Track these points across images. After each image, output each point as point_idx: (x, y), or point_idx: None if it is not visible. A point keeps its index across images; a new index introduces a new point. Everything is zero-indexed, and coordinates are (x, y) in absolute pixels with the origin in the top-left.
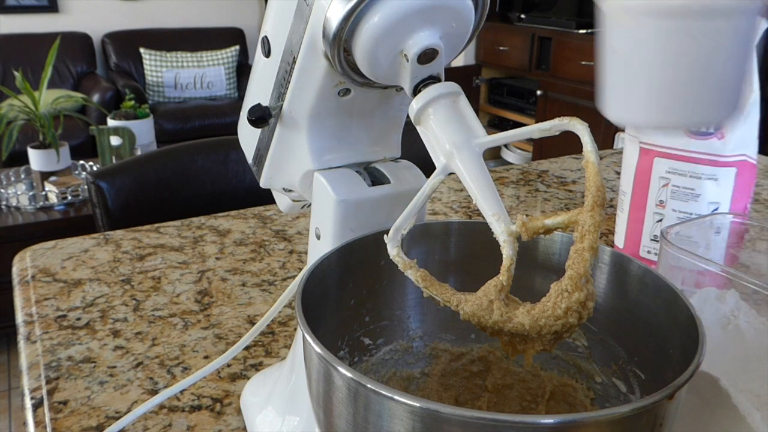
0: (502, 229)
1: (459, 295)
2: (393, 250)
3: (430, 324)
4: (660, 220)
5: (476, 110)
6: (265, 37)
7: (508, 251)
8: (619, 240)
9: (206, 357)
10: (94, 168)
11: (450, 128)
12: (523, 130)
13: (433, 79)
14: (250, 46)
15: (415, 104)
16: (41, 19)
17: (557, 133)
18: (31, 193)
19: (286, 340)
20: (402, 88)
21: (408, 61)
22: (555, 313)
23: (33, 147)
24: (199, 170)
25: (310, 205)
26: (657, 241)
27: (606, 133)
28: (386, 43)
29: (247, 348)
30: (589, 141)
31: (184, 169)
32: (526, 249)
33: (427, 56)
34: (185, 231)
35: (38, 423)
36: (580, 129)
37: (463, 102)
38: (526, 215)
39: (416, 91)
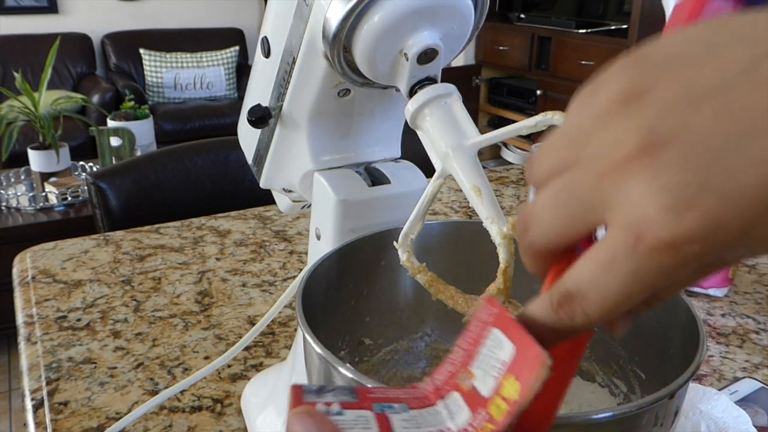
0: (495, 232)
1: (467, 299)
2: (403, 256)
3: (430, 324)
4: None
5: (476, 110)
6: (265, 37)
7: (503, 255)
8: None
9: (206, 357)
10: (94, 169)
11: (444, 130)
12: (511, 127)
13: (429, 81)
14: (249, 47)
15: (411, 106)
16: (41, 20)
17: (544, 128)
18: (31, 194)
19: (286, 341)
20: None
21: (408, 60)
22: None
23: (33, 148)
24: (199, 171)
25: (310, 205)
26: None
27: None
28: (386, 43)
29: (247, 348)
30: None
31: (184, 170)
32: None
33: (427, 56)
34: (185, 232)
35: (39, 424)
36: None
37: (457, 103)
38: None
39: (412, 92)
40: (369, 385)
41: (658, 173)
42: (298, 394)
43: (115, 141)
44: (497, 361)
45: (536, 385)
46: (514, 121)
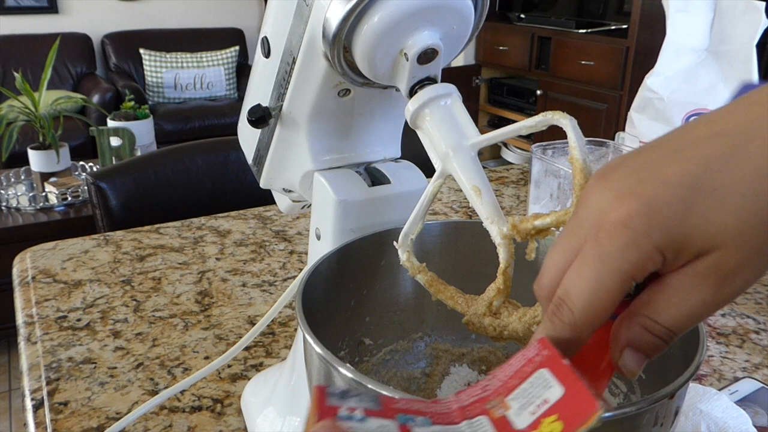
0: (495, 232)
1: (467, 298)
2: (403, 256)
3: (430, 324)
4: None
5: (476, 110)
6: (265, 37)
7: (503, 255)
8: None
9: (207, 357)
10: (94, 169)
11: (444, 130)
12: (512, 127)
13: (429, 81)
14: (250, 47)
15: (411, 106)
16: (41, 20)
17: (545, 128)
18: (31, 194)
19: (286, 341)
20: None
21: (408, 60)
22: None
23: (33, 148)
24: (199, 171)
25: (310, 205)
26: None
27: (606, 132)
28: (386, 44)
29: (247, 348)
30: (574, 136)
31: (184, 170)
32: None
33: (427, 56)
34: (185, 232)
35: (39, 424)
36: (565, 123)
37: (457, 103)
38: (520, 216)
39: (412, 92)
40: (370, 386)
41: (608, 183)
42: (322, 396)
43: (115, 141)
44: (540, 399)
45: (584, 431)
46: (514, 121)
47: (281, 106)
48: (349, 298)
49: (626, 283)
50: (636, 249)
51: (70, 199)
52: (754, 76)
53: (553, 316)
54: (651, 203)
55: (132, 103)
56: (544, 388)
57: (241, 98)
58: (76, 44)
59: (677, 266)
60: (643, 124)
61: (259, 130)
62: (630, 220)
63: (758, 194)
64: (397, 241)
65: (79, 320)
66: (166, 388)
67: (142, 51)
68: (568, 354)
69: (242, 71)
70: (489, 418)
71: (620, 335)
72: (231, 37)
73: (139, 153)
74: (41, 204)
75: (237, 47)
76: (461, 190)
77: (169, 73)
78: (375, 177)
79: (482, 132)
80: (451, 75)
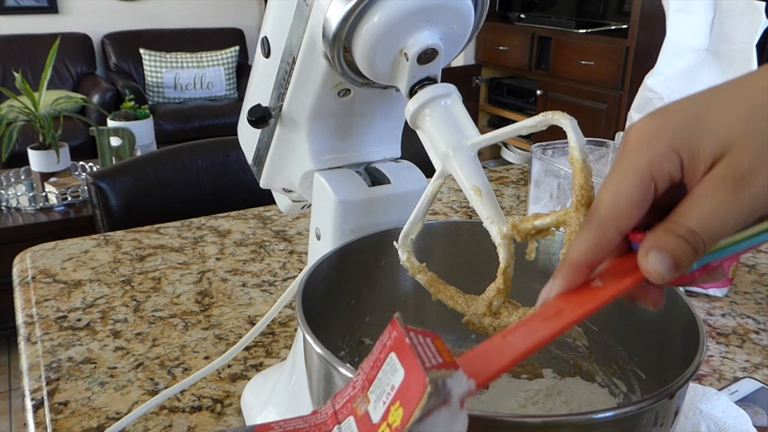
0: (495, 232)
1: (467, 298)
2: (403, 256)
3: (430, 324)
4: None
5: (476, 110)
6: (265, 37)
7: (503, 254)
8: None
9: (206, 357)
10: (94, 169)
11: (444, 130)
12: (511, 127)
13: (429, 81)
14: (250, 47)
15: (411, 106)
16: (41, 20)
17: (545, 128)
18: (31, 194)
19: (286, 341)
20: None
21: (408, 60)
22: None
23: (33, 148)
24: (199, 171)
25: (310, 205)
26: None
27: (606, 132)
28: (386, 44)
29: (247, 348)
30: (574, 136)
31: (184, 170)
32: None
33: (427, 56)
34: (185, 232)
35: (39, 424)
36: (565, 123)
37: (457, 103)
38: (520, 216)
39: (412, 92)
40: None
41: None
42: None
43: (115, 141)
44: (389, 387)
45: (417, 413)
46: (514, 121)
47: (281, 106)
48: (349, 298)
49: (644, 180)
50: (650, 147)
51: (70, 199)
52: None
53: (587, 220)
54: (664, 113)
55: (132, 103)
56: (392, 374)
57: (241, 98)
58: (76, 44)
59: (698, 176)
60: None
61: (259, 130)
62: (645, 126)
63: (763, 104)
64: (397, 241)
65: (79, 320)
66: (166, 388)
67: (142, 51)
68: (599, 259)
69: (242, 71)
70: (355, 417)
71: (647, 242)
72: (231, 37)
73: (139, 153)
74: (41, 204)
75: (237, 47)
76: (461, 190)
77: (169, 73)
78: (375, 177)
79: (482, 132)
80: (451, 75)
